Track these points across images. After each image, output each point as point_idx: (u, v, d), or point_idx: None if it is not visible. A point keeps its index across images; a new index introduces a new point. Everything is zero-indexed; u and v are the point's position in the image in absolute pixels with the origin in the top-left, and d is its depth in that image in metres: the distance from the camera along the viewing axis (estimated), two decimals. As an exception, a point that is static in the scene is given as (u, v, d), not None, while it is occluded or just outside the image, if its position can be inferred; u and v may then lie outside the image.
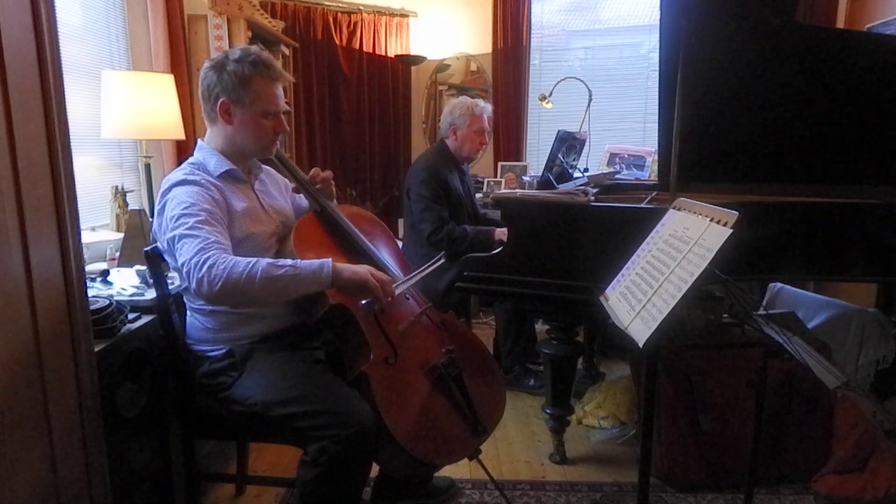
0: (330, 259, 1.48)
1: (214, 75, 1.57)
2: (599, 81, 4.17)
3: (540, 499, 2.08)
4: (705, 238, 1.20)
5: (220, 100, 1.57)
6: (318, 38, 4.24)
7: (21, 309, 1.16)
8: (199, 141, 1.66)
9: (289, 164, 1.75)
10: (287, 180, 1.85)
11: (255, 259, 1.41)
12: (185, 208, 1.46)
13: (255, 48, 1.62)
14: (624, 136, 4.31)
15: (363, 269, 1.52)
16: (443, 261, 1.83)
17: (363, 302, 1.54)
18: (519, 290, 2.08)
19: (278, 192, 1.81)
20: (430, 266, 1.78)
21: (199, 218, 1.45)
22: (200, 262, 1.37)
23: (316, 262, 1.47)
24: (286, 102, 1.67)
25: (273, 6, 4.04)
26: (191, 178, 1.53)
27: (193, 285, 1.38)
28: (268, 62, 1.59)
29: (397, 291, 1.59)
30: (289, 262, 1.45)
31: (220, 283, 1.36)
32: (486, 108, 2.94)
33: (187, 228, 1.43)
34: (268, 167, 1.80)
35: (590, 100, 3.68)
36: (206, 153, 1.62)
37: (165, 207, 1.50)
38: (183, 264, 1.40)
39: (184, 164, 1.62)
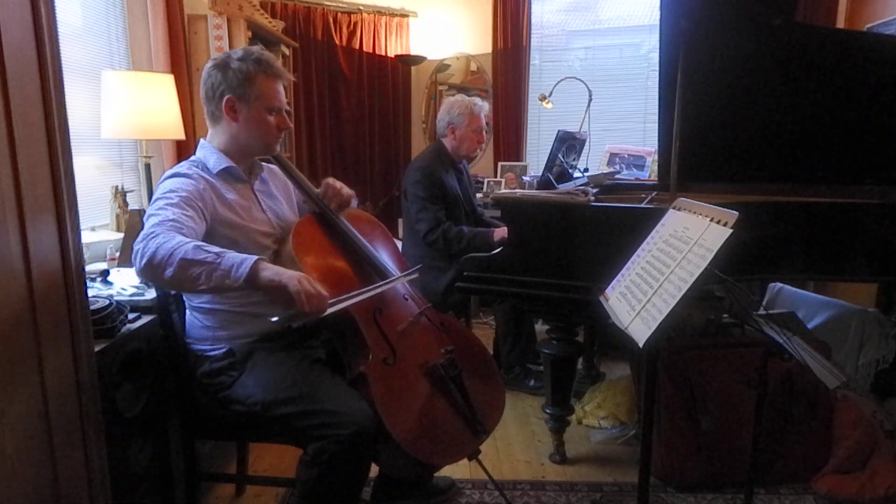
0: (256, 257, 1.35)
1: (219, 74, 1.59)
2: (599, 81, 4.17)
3: (540, 499, 2.08)
4: (705, 238, 1.20)
5: (226, 97, 1.58)
6: (318, 38, 4.24)
7: (21, 309, 1.16)
8: (202, 140, 1.68)
9: (290, 169, 1.75)
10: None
11: (181, 241, 1.32)
12: (164, 194, 1.48)
13: (256, 48, 1.65)
14: (624, 136, 4.31)
15: (290, 274, 1.34)
16: (416, 276, 1.78)
17: (273, 319, 1.32)
18: (519, 290, 2.08)
19: (281, 193, 1.81)
20: (404, 275, 1.73)
21: (171, 201, 1.45)
22: (146, 233, 1.34)
23: (240, 256, 1.34)
24: (286, 102, 1.69)
25: (273, 6, 4.04)
26: (183, 171, 1.56)
27: (133, 258, 1.34)
28: (270, 60, 1.62)
29: (331, 310, 1.38)
30: (214, 248, 1.33)
31: (143, 262, 1.30)
32: (483, 106, 2.93)
33: (156, 209, 1.43)
34: (272, 167, 1.80)
35: (590, 100, 3.69)
36: (208, 151, 1.63)
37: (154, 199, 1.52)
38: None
39: (183, 161, 1.63)
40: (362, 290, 1.55)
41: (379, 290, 1.60)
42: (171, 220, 1.39)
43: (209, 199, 1.54)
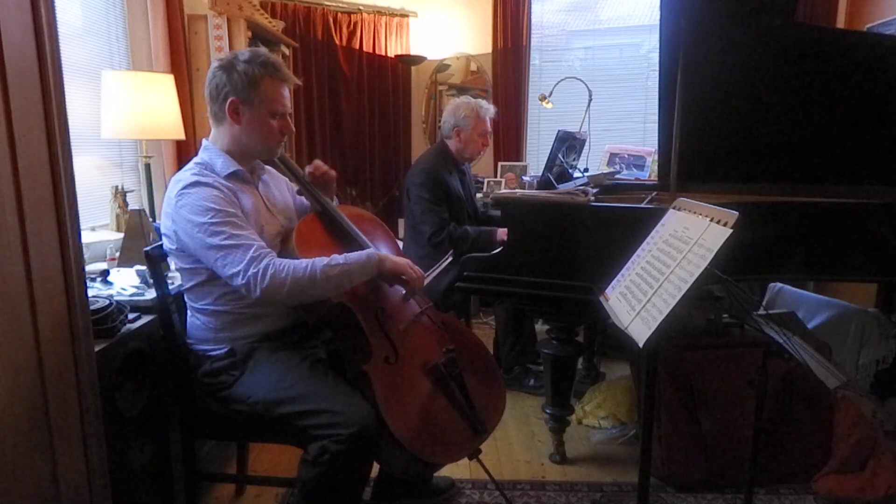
0: (373, 248, 1.60)
1: (224, 75, 1.58)
2: (599, 81, 4.17)
3: (540, 499, 2.08)
4: (705, 238, 1.20)
5: (230, 99, 1.57)
6: (318, 38, 4.24)
7: (21, 309, 1.16)
8: (205, 141, 1.67)
9: (291, 166, 1.75)
10: (289, 181, 1.86)
11: (308, 261, 1.49)
12: (213, 216, 1.47)
13: (263, 50, 1.65)
14: (624, 136, 4.30)
15: (402, 262, 1.63)
16: (451, 259, 1.88)
17: (403, 293, 1.67)
18: (519, 290, 2.08)
19: (281, 192, 1.81)
20: (444, 262, 1.85)
21: (232, 224, 1.48)
22: (259, 272, 1.43)
23: (363, 253, 1.56)
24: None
25: (273, 6, 4.04)
26: (204, 180, 1.53)
27: (257, 294, 1.44)
28: (277, 64, 1.61)
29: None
30: (340, 259, 1.52)
31: (287, 289, 1.45)
32: (489, 109, 2.92)
33: (225, 238, 1.45)
34: (269, 168, 1.80)
35: (590, 100, 3.68)
36: (213, 154, 1.62)
37: (183, 211, 1.49)
38: (236, 275, 1.44)
39: (190, 164, 1.62)
40: (430, 270, 1.79)
41: (438, 271, 1.83)
42: (257, 246, 1.48)
43: (236, 204, 1.55)
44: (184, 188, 1.52)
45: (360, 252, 1.57)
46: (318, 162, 1.78)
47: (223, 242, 1.45)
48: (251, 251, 1.45)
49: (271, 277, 1.43)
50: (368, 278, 1.57)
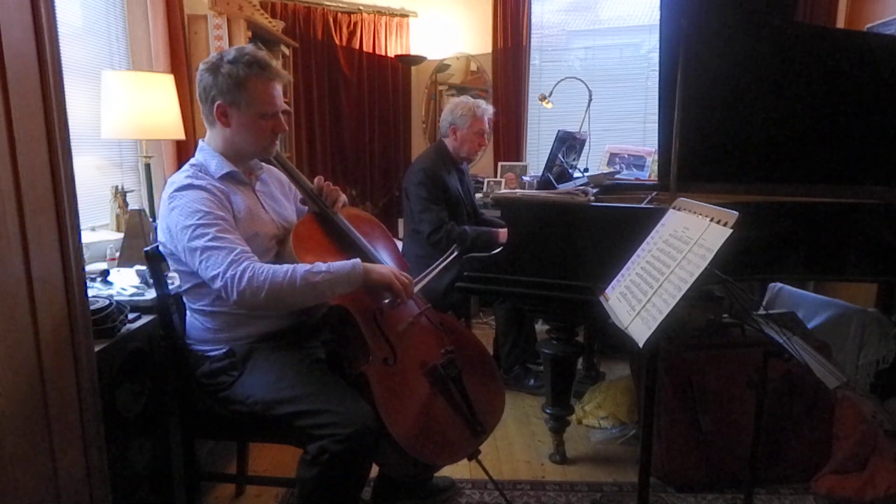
0: (358, 259, 1.53)
1: (210, 77, 1.55)
2: (599, 81, 4.17)
3: (540, 499, 2.08)
4: (705, 238, 1.20)
5: (217, 103, 1.55)
6: (318, 38, 4.24)
7: (21, 309, 1.16)
8: (201, 142, 1.66)
9: (285, 163, 1.74)
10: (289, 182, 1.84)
11: (290, 266, 1.45)
12: (200, 218, 1.46)
13: (249, 47, 1.60)
14: (624, 136, 4.31)
15: (388, 270, 1.58)
16: (455, 254, 1.86)
17: (386, 301, 1.59)
18: (519, 290, 2.08)
19: (280, 192, 1.80)
20: (444, 261, 1.83)
21: (219, 227, 1.46)
22: (238, 274, 1.40)
23: (347, 263, 1.51)
24: (285, 102, 1.66)
25: (273, 6, 4.04)
26: (197, 182, 1.53)
27: (234, 297, 1.41)
28: (263, 62, 1.56)
29: (416, 290, 1.66)
30: (323, 266, 1.48)
31: (264, 293, 1.41)
32: (487, 109, 2.93)
33: (209, 240, 1.43)
34: (269, 167, 1.79)
35: (590, 100, 3.68)
36: (208, 155, 1.62)
37: (174, 213, 1.49)
38: (216, 277, 1.42)
39: (185, 167, 1.61)
40: (427, 272, 1.76)
41: (437, 272, 1.80)
42: (240, 250, 1.45)
43: (229, 209, 1.54)
44: (176, 191, 1.52)
45: (344, 262, 1.51)
46: (319, 181, 1.75)
47: (206, 244, 1.43)
48: (232, 254, 1.42)
49: (248, 281, 1.40)
50: (353, 289, 1.52)
